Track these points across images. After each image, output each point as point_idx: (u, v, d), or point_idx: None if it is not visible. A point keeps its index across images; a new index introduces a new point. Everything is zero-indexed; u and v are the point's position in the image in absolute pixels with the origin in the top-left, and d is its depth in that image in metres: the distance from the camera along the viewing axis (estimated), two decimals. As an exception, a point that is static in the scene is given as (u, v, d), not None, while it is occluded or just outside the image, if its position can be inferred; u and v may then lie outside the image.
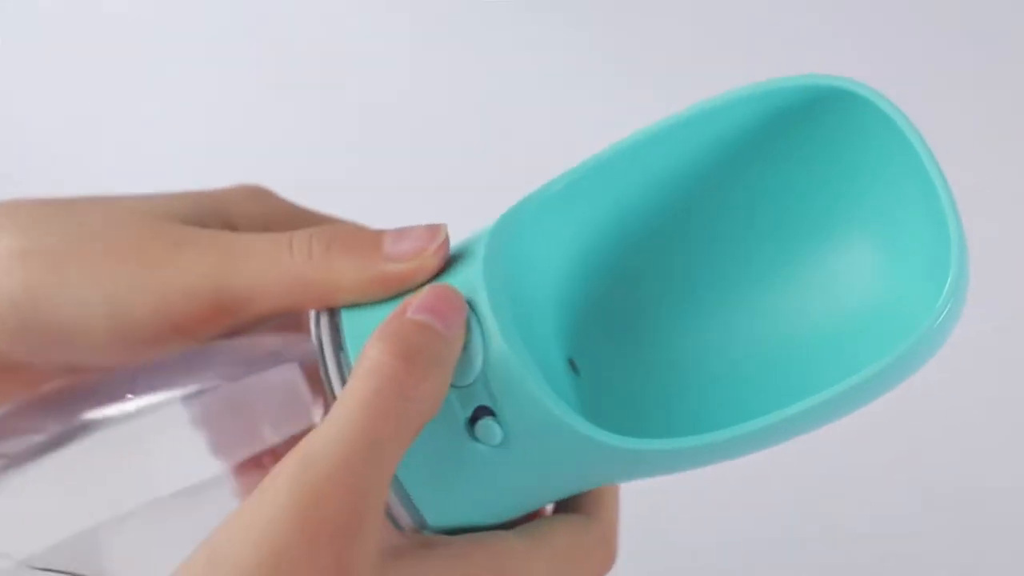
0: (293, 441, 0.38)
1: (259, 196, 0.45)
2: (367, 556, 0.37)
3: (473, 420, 0.39)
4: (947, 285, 0.38)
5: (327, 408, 0.39)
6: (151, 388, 0.42)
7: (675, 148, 0.42)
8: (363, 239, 0.40)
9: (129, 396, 0.42)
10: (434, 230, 0.40)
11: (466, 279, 0.40)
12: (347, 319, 0.40)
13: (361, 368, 0.37)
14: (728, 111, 0.41)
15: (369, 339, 0.38)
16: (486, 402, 0.39)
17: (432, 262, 0.40)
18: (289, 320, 0.43)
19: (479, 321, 0.39)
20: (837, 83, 0.40)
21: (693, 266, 0.44)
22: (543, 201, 0.42)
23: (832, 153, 0.41)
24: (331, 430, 0.37)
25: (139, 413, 0.42)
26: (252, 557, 0.36)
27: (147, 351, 0.42)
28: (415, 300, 0.39)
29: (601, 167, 0.42)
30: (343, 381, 0.39)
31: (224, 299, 0.41)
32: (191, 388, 0.42)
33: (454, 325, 0.39)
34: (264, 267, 0.40)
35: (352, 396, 0.37)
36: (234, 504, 0.38)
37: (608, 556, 0.42)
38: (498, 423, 0.39)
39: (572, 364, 0.43)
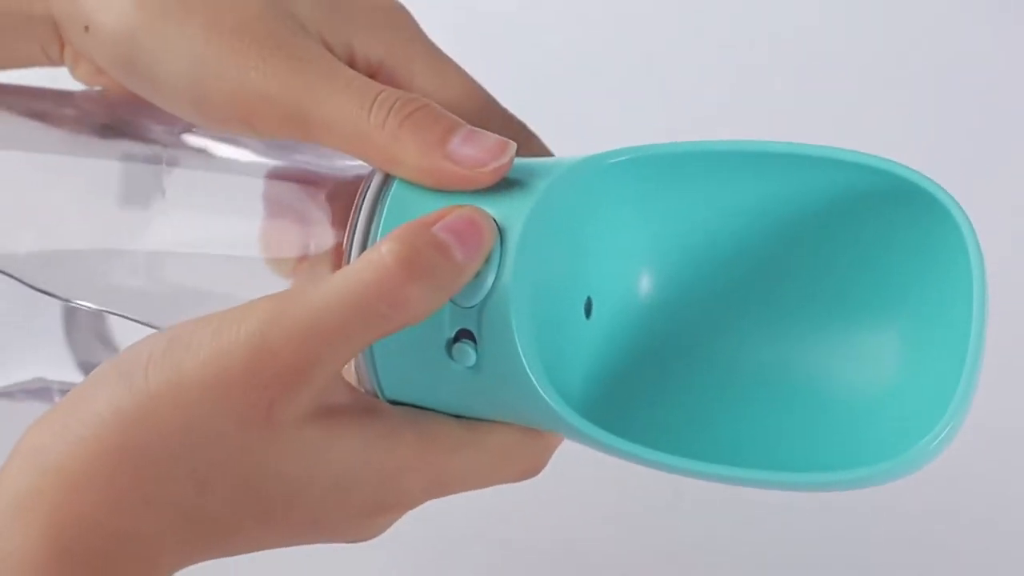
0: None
1: (393, 23, 0.45)
2: (295, 410, 0.38)
3: (455, 339, 0.40)
4: (945, 416, 0.38)
5: (335, 260, 0.41)
6: (244, 149, 0.44)
7: (760, 174, 0.42)
8: (436, 127, 0.40)
9: (221, 145, 0.45)
10: (502, 147, 0.40)
11: (510, 211, 0.40)
12: (396, 193, 0.41)
13: (367, 257, 0.38)
14: (830, 166, 0.41)
15: (391, 233, 0.38)
16: (473, 329, 0.39)
17: (486, 179, 0.40)
18: None
19: (502, 254, 0.39)
20: (924, 185, 0.40)
21: (737, 290, 0.44)
22: (622, 164, 0.42)
23: (899, 240, 0.41)
24: (313, 297, 0.38)
25: (226, 163, 0.44)
26: (195, 372, 0.38)
27: (217, 127, 0.43)
28: (450, 216, 0.39)
29: (692, 156, 0.42)
30: (361, 249, 0.40)
31: (296, 119, 0.41)
32: (275, 163, 0.44)
33: (473, 258, 0.39)
34: (342, 113, 0.41)
35: (344, 278, 0.38)
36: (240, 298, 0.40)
37: (535, 466, 0.43)
38: (475, 352, 0.39)
39: (588, 305, 0.43)
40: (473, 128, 0.40)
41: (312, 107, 0.41)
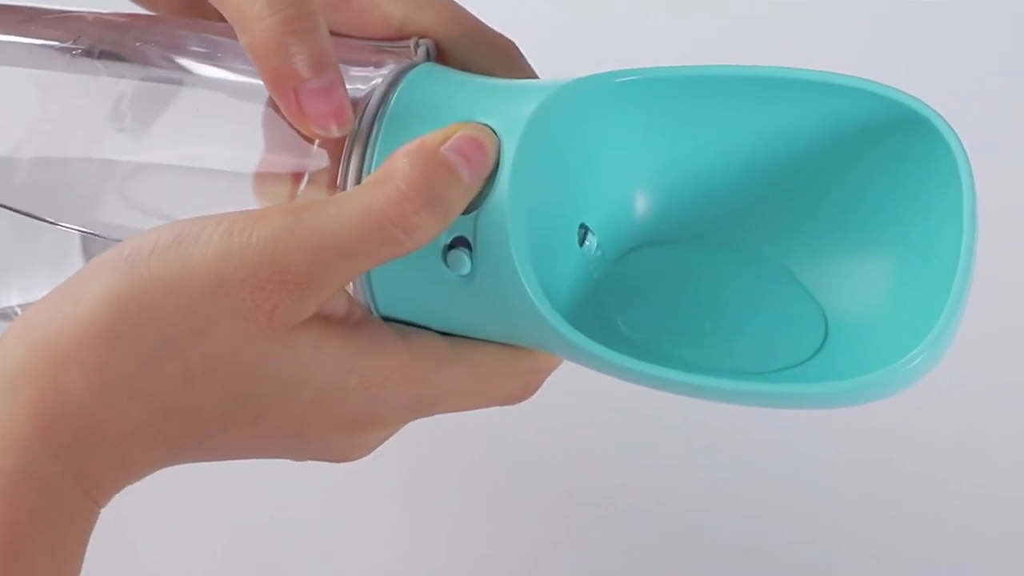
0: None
1: None
2: (295, 318, 0.39)
3: (451, 246, 0.40)
4: (925, 339, 0.39)
5: (344, 152, 0.41)
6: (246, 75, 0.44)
7: (767, 100, 0.43)
8: (304, 55, 0.40)
9: (229, 64, 0.44)
10: (341, 116, 0.41)
11: (509, 119, 0.40)
12: (395, 108, 0.41)
13: (381, 180, 0.39)
14: (830, 92, 0.42)
15: (403, 153, 0.39)
16: (468, 236, 0.40)
17: (313, 136, 0.41)
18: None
19: (500, 162, 0.40)
20: (922, 111, 0.41)
21: (734, 216, 0.44)
22: (626, 85, 0.42)
23: (896, 169, 0.42)
24: (328, 213, 0.38)
25: (235, 84, 0.44)
26: (201, 265, 0.38)
27: None
28: (456, 137, 0.40)
29: (697, 80, 0.43)
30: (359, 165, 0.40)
31: None
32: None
33: (478, 177, 0.40)
34: None
35: (360, 199, 0.38)
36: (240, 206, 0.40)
37: (528, 387, 0.44)
38: (470, 259, 0.40)
39: (583, 232, 0.44)
40: (336, 83, 0.40)
41: None
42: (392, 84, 0.42)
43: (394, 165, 0.39)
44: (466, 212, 0.40)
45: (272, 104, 0.43)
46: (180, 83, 0.45)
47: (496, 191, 0.40)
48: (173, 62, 0.45)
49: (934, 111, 0.41)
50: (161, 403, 0.39)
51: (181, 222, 0.39)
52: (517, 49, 0.45)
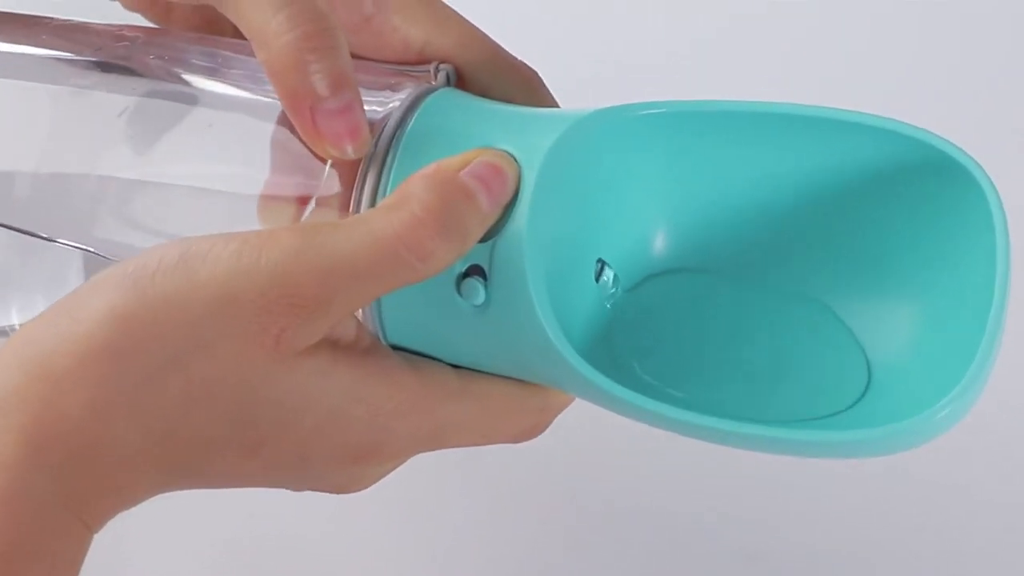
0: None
1: None
2: (303, 342, 0.37)
3: (466, 274, 0.39)
4: (954, 390, 0.37)
5: (359, 174, 0.40)
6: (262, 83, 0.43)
7: (793, 137, 0.41)
8: (321, 75, 0.39)
9: (239, 81, 0.43)
10: (356, 135, 0.40)
11: (530, 146, 0.39)
12: (414, 130, 0.40)
13: (397, 204, 0.38)
14: (864, 133, 0.41)
15: (420, 177, 0.38)
16: (484, 264, 0.39)
17: (327, 156, 0.40)
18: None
19: (520, 190, 0.39)
20: (957, 156, 0.40)
21: (757, 256, 0.43)
22: (649, 117, 0.41)
23: (927, 213, 0.41)
24: (341, 237, 0.37)
25: (244, 102, 0.43)
26: (208, 285, 0.37)
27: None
28: (476, 162, 0.38)
29: (722, 115, 0.42)
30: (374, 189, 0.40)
31: None
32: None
33: (497, 204, 0.38)
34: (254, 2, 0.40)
35: (375, 223, 0.37)
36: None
37: (537, 425, 0.43)
38: (485, 288, 0.39)
39: (600, 266, 0.43)
40: (354, 103, 0.39)
41: None
42: (410, 108, 0.41)
43: (410, 189, 0.38)
44: (483, 240, 0.39)
45: (282, 123, 0.42)
46: (188, 100, 0.44)
47: (514, 220, 0.39)
48: (182, 78, 0.44)
49: (968, 156, 0.40)
50: (159, 425, 0.37)
51: (187, 240, 0.38)
52: (539, 78, 0.44)
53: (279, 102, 0.40)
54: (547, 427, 0.43)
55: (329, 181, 0.41)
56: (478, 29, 0.44)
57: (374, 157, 0.40)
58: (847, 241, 0.42)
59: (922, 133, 0.40)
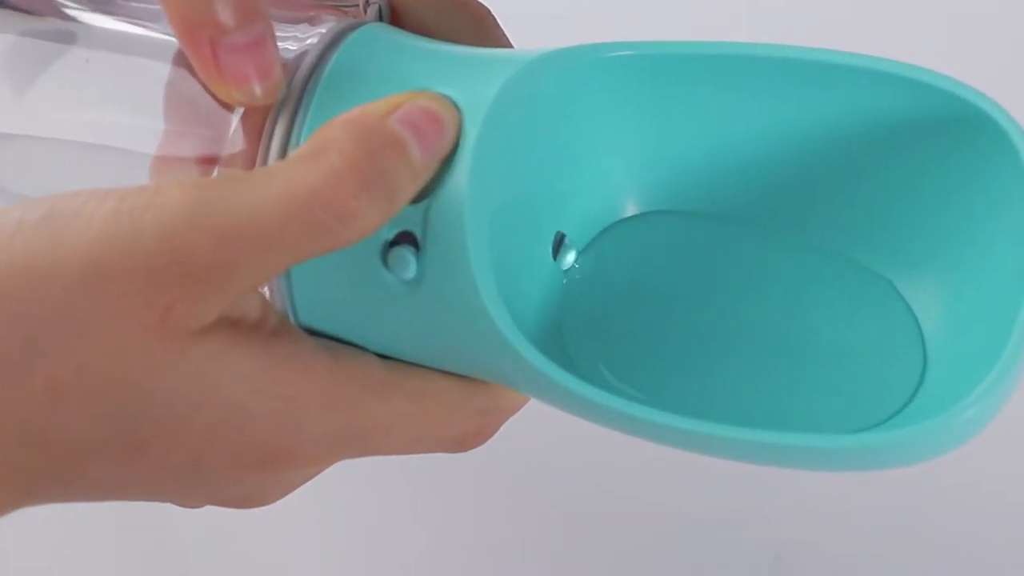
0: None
1: None
2: (195, 320, 0.32)
3: (393, 243, 0.33)
4: (974, 392, 0.31)
5: (268, 121, 0.34)
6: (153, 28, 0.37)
7: (789, 90, 0.35)
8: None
9: (135, 18, 0.38)
10: (266, 70, 0.33)
11: (475, 94, 0.33)
12: (334, 69, 0.34)
13: (311, 151, 0.32)
14: (875, 79, 0.35)
15: (340, 120, 0.32)
16: (416, 231, 0.33)
17: (231, 100, 0.34)
18: None
19: (460, 144, 0.33)
20: (989, 109, 0.34)
21: (748, 229, 0.38)
22: (621, 60, 0.36)
23: (946, 177, 0.35)
24: (244, 194, 0.31)
25: (134, 40, 0.37)
26: (80, 249, 0.31)
27: None
28: (408, 106, 0.33)
29: (710, 61, 0.36)
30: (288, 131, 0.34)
31: None
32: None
33: (432, 156, 0.33)
34: None
35: (285, 178, 0.31)
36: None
37: (481, 431, 0.37)
38: (416, 259, 0.33)
39: (559, 240, 0.37)
40: (265, 35, 0.33)
41: None
42: (331, 44, 0.35)
43: (328, 136, 0.32)
44: (415, 202, 0.33)
45: (180, 64, 0.36)
46: (65, 38, 0.38)
47: (453, 177, 0.33)
48: (61, 11, 0.38)
49: (996, 104, 0.34)
50: (19, 425, 0.31)
51: (53, 196, 0.31)
52: (491, 16, 0.38)
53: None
54: (494, 433, 0.37)
55: (236, 136, 0.35)
56: None
57: (286, 101, 0.34)
58: (853, 203, 0.36)
59: (944, 80, 0.34)
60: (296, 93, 0.34)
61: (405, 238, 0.33)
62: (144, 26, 0.37)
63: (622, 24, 0.63)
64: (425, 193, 0.33)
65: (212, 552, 0.57)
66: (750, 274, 0.37)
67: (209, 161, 0.36)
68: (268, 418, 0.33)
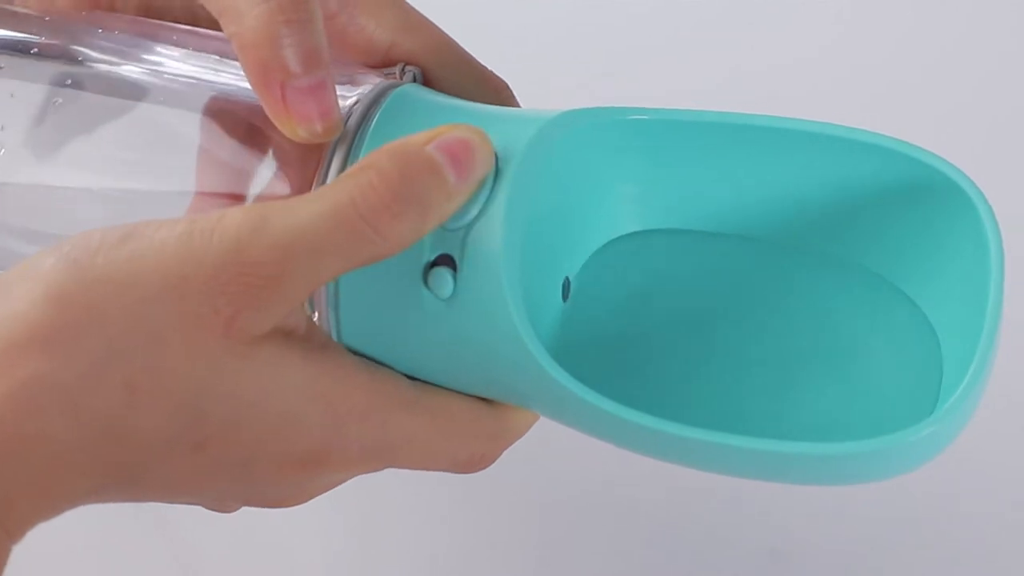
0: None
1: None
2: (257, 327, 0.35)
3: (434, 263, 0.37)
4: (937, 412, 0.36)
5: (320, 167, 0.38)
6: (185, 61, 0.41)
7: (786, 155, 0.40)
8: (296, 48, 0.37)
9: (162, 64, 0.41)
10: (328, 112, 0.38)
11: (510, 138, 0.37)
12: (385, 110, 0.38)
13: (354, 172, 0.36)
14: (848, 148, 0.39)
15: (380, 149, 0.36)
16: (455, 254, 0.37)
17: (298, 137, 0.38)
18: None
19: (496, 178, 0.37)
20: (947, 172, 0.38)
21: (743, 274, 0.41)
22: (641, 124, 0.40)
23: (917, 222, 0.40)
24: (297, 209, 0.35)
25: (165, 88, 0.41)
26: (155, 265, 0.34)
27: None
28: (445, 135, 0.36)
29: (709, 127, 0.40)
30: (343, 165, 0.38)
31: None
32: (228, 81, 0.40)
33: (467, 182, 0.36)
34: None
35: (330, 192, 0.35)
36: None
37: (486, 455, 0.40)
38: (454, 279, 0.37)
39: (567, 286, 0.41)
40: (327, 81, 0.37)
41: None
42: (380, 95, 0.39)
43: (370, 158, 0.36)
44: (455, 227, 0.37)
45: (210, 114, 0.40)
46: (91, 86, 0.41)
47: (491, 207, 0.37)
48: (100, 61, 0.41)
49: (956, 169, 0.38)
50: (97, 421, 0.34)
51: (126, 224, 0.35)
52: (509, 89, 0.43)
53: (207, 90, 0.39)
54: (494, 461, 0.41)
55: (266, 178, 0.40)
56: (447, 35, 0.43)
57: (341, 139, 0.38)
58: (834, 255, 0.41)
59: (913, 149, 0.39)
60: (351, 132, 0.38)
61: (444, 260, 0.37)
62: (174, 77, 0.41)
63: (621, 92, 0.67)
64: (464, 219, 0.37)
65: (217, 551, 0.58)
66: (747, 286, 0.41)
67: (238, 200, 0.39)
68: (314, 422, 0.37)
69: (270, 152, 0.39)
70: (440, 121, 0.37)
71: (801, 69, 0.70)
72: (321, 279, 0.35)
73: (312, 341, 0.37)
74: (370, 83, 0.40)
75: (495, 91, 0.42)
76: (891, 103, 0.68)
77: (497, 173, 0.37)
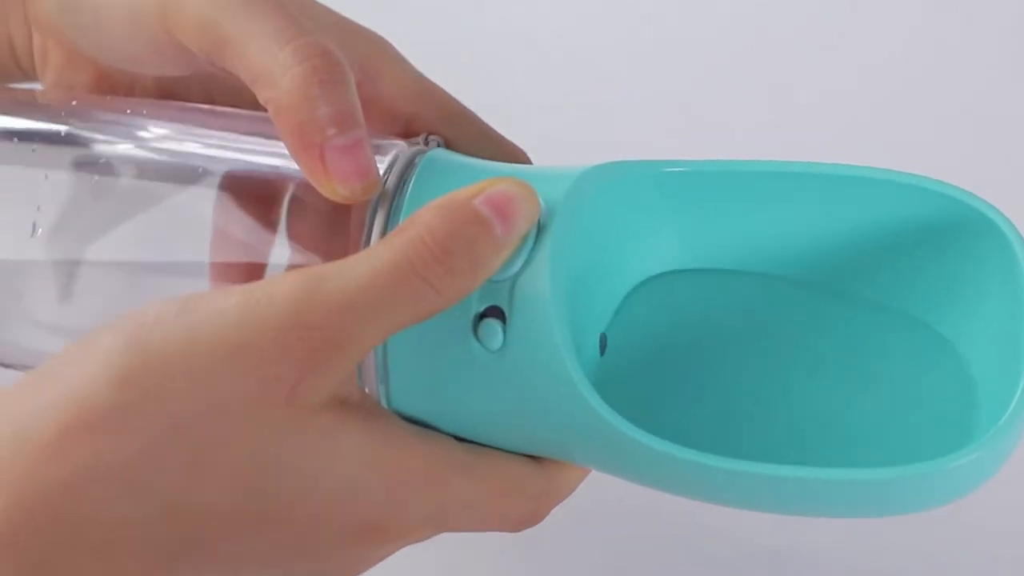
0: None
1: (368, 38, 0.43)
2: (319, 393, 0.35)
3: (483, 315, 0.37)
4: (976, 444, 0.36)
5: (363, 232, 0.38)
6: (202, 140, 0.41)
7: (822, 198, 0.40)
8: (333, 108, 0.37)
9: (177, 141, 0.41)
10: (366, 174, 0.38)
11: (546, 191, 0.38)
12: (425, 166, 0.39)
13: (404, 230, 0.35)
14: (877, 187, 0.40)
15: (429, 205, 0.36)
16: (503, 305, 0.37)
17: (337, 197, 0.38)
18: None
19: (538, 231, 0.37)
20: (986, 211, 0.39)
21: (776, 318, 0.42)
22: (676, 176, 0.41)
23: (951, 259, 0.40)
24: (350, 270, 0.35)
25: (176, 168, 0.41)
26: (214, 336, 0.34)
27: (161, 64, 0.41)
28: (491, 189, 0.36)
29: (743, 176, 0.41)
30: (384, 227, 0.38)
31: (211, 28, 0.38)
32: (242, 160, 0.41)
33: (514, 234, 0.36)
34: (257, 39, 0.38)
35: (382, 250, 0.35)
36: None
37: (534, 513, 0.40)
38: (503, 330, 0.37)
39: (603, 341, 0.41)
40: (364, 140, 0.38)
41: (230, 21, 0.38)
42: (413, 157, 0.40)
43: (417, 215, 0.36)
44: (502, 279, 0.37)
45: (226, 188, 0.40)
46: (118, 169, 0.41)
47: (536, 257, 0.37)
48: (125, 143, 0.42)
49: (995, 209, 0.39)
50: (159, 497, 0.34)
51: (180, 297, 0.35)
52: (526, 156, 0.43)
53: (220, 168, 0.40)
54: (543, 518, 0.40)
55: (284, 249, 0.40)
56: (463, 104, 0.43)
57: (382, 197, 0.38)
58: (871, 301, 0.41)
59: (946, 187, 0.39)
60: (389, 193, 0.38)
61: (493, 312, 0.37)
62: (199, 155, 0.41)
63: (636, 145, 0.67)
64: (510, 271, 0.37)
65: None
66: (778, 326, 0.42)
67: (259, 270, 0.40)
68: (374, 493, 0.36)
69: (300, 223, 0.40)
70: (476, 179, 0.37)
71: (817, 111, 0.70)
72: (379, 338, 0.35)
73: (367, 408, 0.37)
74: (398, 149, 0.40)
75: (512, 157, 0.43)
76: (913, 137, 0.68)
77: (542, 220, 0.37)
